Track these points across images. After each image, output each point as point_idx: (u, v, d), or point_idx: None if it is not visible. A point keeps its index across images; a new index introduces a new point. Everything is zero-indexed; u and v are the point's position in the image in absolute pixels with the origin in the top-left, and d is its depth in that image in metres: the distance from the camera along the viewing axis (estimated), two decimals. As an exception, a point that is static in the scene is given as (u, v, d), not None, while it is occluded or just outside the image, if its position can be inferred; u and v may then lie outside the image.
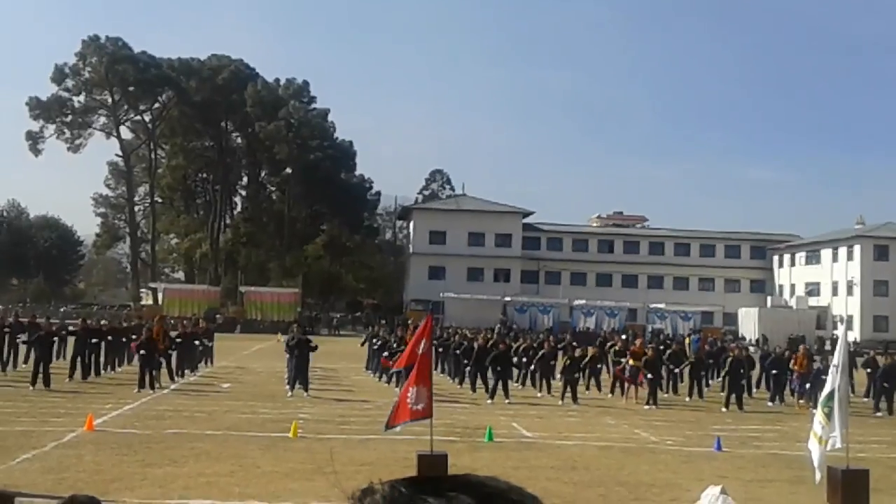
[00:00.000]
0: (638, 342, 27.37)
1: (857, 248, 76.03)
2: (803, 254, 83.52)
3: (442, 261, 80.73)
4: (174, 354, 26.73)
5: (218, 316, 63.52)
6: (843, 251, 77.86)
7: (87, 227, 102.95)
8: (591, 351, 28.15)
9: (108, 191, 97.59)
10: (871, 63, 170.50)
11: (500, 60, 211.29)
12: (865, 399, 26.61)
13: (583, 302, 72.05)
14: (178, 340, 27.88)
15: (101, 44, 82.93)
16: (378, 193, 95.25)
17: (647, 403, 23.82)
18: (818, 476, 11.94)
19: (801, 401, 25.06)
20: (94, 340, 26.45)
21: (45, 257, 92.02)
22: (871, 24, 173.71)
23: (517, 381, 27.42)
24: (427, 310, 58.13)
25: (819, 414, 12.40)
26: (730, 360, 25.02)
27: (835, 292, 77.99)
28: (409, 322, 46.45)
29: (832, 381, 12.54)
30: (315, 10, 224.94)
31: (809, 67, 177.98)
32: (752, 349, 34.66)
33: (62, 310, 68.46)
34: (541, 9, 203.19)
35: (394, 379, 25.41)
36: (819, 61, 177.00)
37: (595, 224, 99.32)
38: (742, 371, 25.06)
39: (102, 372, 27.01)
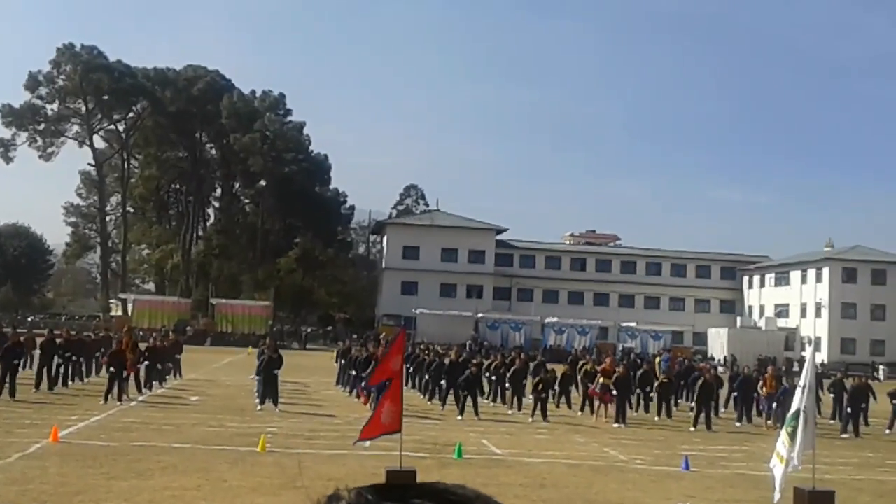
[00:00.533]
0: (607, 360, 27.42)
1: (825, 271, 76.83)
2: (773, 275, 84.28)
3: (415, 276, 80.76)
4: (143, 366, 26.48)
5: (188, 328, 63.12)
6: (811, 273, 78.65)
7: (57, 236, 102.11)
8: (561, 369, 28.21)
9: (79, 200, 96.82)
10: (844, 87, 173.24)
11: (476, 78, 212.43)
12: (832, 421, 26.82)
13: (555, 319, 72.25)
14: (147, 353, 27.62)
15: (77, 52, 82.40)
16: (352, 207, 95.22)
17: (616, 422, 23.88)
18: (776, 496, 12.00)
19: (769, 421, 25.22)
20: (61, 352, 26.16)
21: (14, 266, 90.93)
22: (844, 48, 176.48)
23: (488, 398, 27.42)
24: (399, 325, 58.10)
25: (783, 434, 12.51)
26: (700, 383, 25.12)
27: (803, 314, 78.73)
28: (381, 337, 46.40)
29: (798, 401, 12.66)
30: (292, 23, 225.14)
31: (782, 90, 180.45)
32: (720, 369, 34.81)
33: (30, 319, 67.70)
34: (517, 27, 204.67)
35: (364, 394, 25.33)
36: (791, 84, 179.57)
37: (568, 242, 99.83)
38: (712, 392, 25.20)
39: (70, 383, 26.72)
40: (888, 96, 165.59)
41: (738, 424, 25.66)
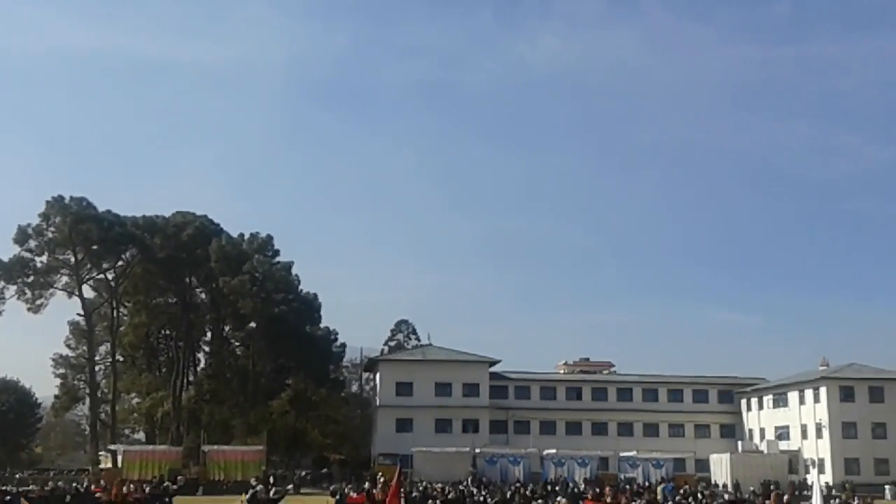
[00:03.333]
0: (607, 491, 26.71)
1: (822, 391, 76.28)
2: (770, 397, 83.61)
3: (409, 413, 79.86)
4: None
5: (179, 478, 61.62)
6: (809, 393, 78.07)
7: (45, 388, 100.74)
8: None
9: (68, 350, 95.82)
10: (826, 205, 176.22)
11: (462, 210, 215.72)
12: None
13: (553, 451, 71.06)
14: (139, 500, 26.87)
15: (66, 204, 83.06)
16: (343, 345, 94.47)
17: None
18: None
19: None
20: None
21: (2, 422, 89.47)
22: (823, 166, 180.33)
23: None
24: (395, 464, 56.94)
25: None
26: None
27: (804, 435, 77.73)
28: (379, 477, 45.44)
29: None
30: (277, 165, 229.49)
31: (764, 210, 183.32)
32: (726, 496, 34.08)
33: (17, 476, 66.18)
34: (499, 160, 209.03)
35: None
36: (773, 204, 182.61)
37: (562, 371, 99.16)
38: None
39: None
40: (873, 214, 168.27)
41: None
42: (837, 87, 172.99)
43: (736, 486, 59.92)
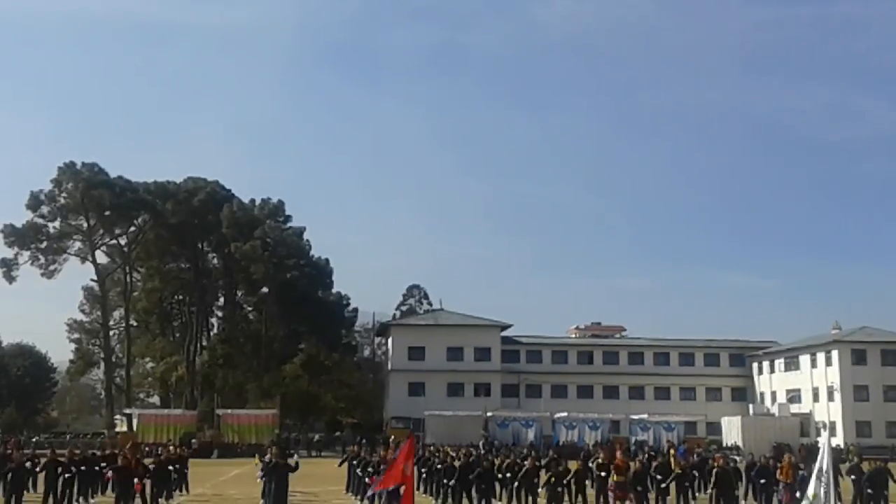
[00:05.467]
0: (618, 455, 26.53)
1: (834, 354, 76.21)
2: (782, 360, 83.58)
3: (421, 377, 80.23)
4: (148, 483, 25.88)
5: (193, 441, 62.16)
6: (821, 357, 78.00)
7: (60, 353, 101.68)
8: (574, 465, 27.60)
9: (82, 316, 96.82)
10: (840, 169, 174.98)
11: (474, 174, 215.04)
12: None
13: (564, 415, 71.31)
14: (152, 467, 27.05)
15: (77, 170, 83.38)
16: (355, 310, 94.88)
17: (634, 519, 23.26)
18: None
19: (789, 511, 24.55)
20: (66, 471, 25.66)
21: (18, 386, 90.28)
22: (839, 129, 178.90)
23: (500, 500, 26.80)
24: (408, 427, 57.40)
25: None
26: (716, 471, 24.61)
27: (816, 398, 77.78)
28: (391, 440, 45.67)
29: (813, 486, 12.33)
30: (289, 130, 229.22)
31: (779, 174, 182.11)
32: (737, 459, 34.20)
33: (34, 440, 66.85)
34: (512, 123, 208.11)
35: (376, 500, 24.84)
36: (788, 168, 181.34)
37: (574, 335, 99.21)
38: (730, 481, 24.62)
39: (75, 503, 26.15)
40: (890, 177, 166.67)
41: (758, 516, 25.02)
42: (856, 47, 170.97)
43: (737, 447, 59.95)
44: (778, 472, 25.83)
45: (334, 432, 79.49)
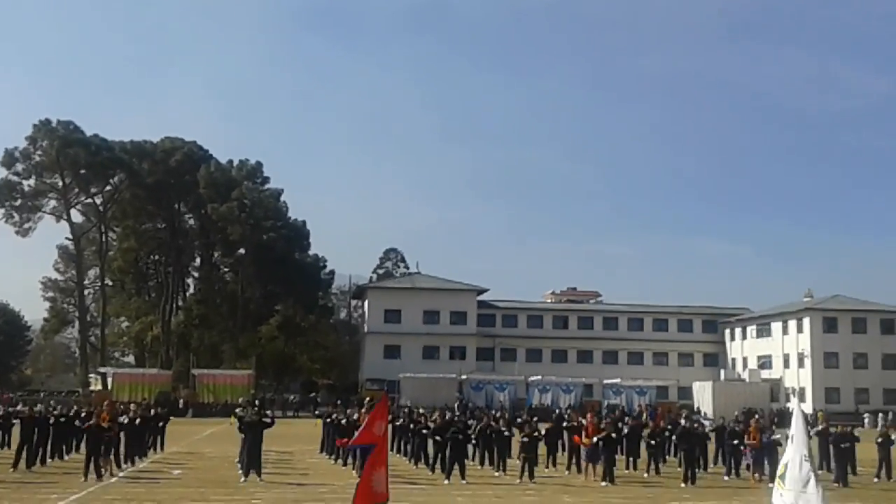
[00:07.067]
0: (589, 418, 26.81)
1: (806, 321, 77.24)
2: (754, 327, 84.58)
3: (397, 339, 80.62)
4: (122, 441, 25.99)
5: (170, 399, 62.22)
6: (793, 324, 79.02)
7: (35, 311, 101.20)
8: (546, 426, 27.96)
9: (57, 275, 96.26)
10: (819, 138, 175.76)
11: (450, 138, 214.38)
12: (820, 472, 26.60)
13: (538, 378, 72.00)
14: (127, 425, 27.13)
15: (53, 127, 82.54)
16: (332, 272, 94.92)
17: (604, 480, 23.64)
18: None
19: (755, 475, 25.04)
20: (40, 428, 25.71)
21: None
22: (819, 99, 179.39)
23: (473, 460, 27.11)
24: (383, 389, 57.69)
25: (777, 486, 12.36)
26: (679, 431, 25.14)
27: (786, 365, 78.91)
28: (366, 401, 45.96)
29: (789, 452, 12.51)
30: (266, 90, 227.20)
31: (758, 142, 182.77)
32: (706, 423, 34.68)
33: (10, 396, 66.73)
34: (492, 88, 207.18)
35: (350, 460, 25.11)
36: (768, 136, 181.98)
37: (549, 300, 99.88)
38: (691, 440, 25.08)
39: (49, 460, 26.22)
40: (866, 148, 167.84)
41: (725, 479, 25.50)
42: (841, 16, 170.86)
43: (700, 412, 60.84)
44: (746, 436, 26.29)
45: (310, 393, 79.89)
